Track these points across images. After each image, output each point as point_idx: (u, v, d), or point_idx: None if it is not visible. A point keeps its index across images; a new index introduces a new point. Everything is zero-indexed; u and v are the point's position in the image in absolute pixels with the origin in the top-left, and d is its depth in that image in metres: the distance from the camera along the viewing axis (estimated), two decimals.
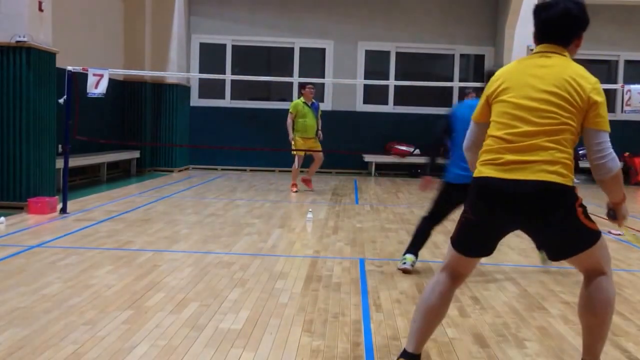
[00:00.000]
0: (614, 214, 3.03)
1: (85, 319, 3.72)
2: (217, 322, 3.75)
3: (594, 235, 2.88)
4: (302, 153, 10.63)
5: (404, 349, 3.06)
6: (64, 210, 7.54)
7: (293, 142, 10.55)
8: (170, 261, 5.33)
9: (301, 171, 10.97)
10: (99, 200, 8.85)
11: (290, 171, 11.03)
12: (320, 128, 10.69)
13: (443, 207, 5.23)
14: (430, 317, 3.02)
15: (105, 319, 3.74)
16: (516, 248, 6.41)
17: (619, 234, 7.19)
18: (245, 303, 4.17)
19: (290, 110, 10.55)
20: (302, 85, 10.77)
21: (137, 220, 7.32)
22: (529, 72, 2.89)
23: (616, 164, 2.83)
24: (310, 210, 8.02)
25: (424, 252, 6.03)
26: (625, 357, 3.42)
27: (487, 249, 3.01)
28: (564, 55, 2.93)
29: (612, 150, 2.81)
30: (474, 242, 2.98)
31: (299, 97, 10.94)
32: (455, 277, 3.04)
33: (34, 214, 7.34)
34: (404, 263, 5.20)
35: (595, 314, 2.92)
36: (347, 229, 7.21)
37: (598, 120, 2.78)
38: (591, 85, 2.80)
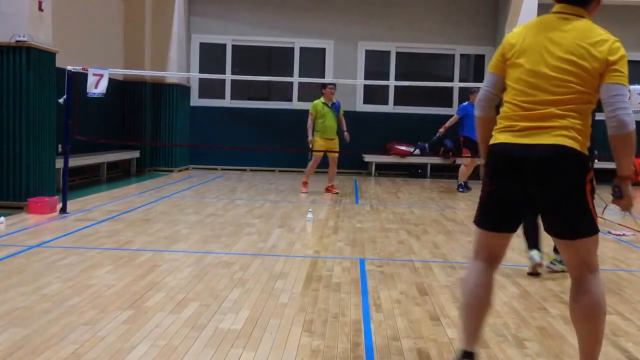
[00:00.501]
0: (620, 192, 2.81)
1: (85, 319, 3.72)
2: (217, 322, 3.75)
3: (594, 226, 2.82)
4: (321, 154, 10.38)
5: (463, 350, 2.94)
6: (63, 210, 7.53)
7: (311, 144, 10.35)
8: (170, 261, 5.33)
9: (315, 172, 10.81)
10: (99, 200, 8.85)
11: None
12: (345, 129, 10.50)
13: None
14: (483, 310, 2.95)
15: (105, 319, 3.74)
16: (516, 248, 6.39)
17: (620, 234, 7.19)
18: (245, 303, 4.17)
19: (310, 111, 10.39)
20: (322, 85, 10.59)
21: (137, 220, 7.32)
22: (547, 36, 2.83)
23: (631, 121, 2.68)
24: (310, 210, 8.01)
25: (424, 252, 6.04)
26: (625, 357, 3.42)
27: (512, 222, 2.93)
28: (583, 17, 2.86)
29: (629, 106, 2.70)
30: (498, 214, 2.90)
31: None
32: (490, 259, 2.97)
33: (34, 213, 7.34)
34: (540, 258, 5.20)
35: (588, 319, 2.84)
36: (347, 229, 7.20)
37: (613, 74, 2.73)
38: (608, 46, 2.76)
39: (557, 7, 2.92)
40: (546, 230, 2.95)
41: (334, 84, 10.67)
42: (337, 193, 10.57)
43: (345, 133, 10.53)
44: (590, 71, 2.74)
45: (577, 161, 2.73)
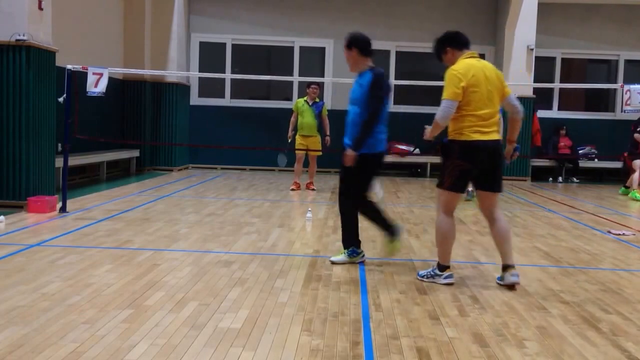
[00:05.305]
0: (517, 148, 4.98)
1: (84, 318, 3.72)
2: (216, 321, 3.75)
3: (502, 186, 4.85)
4: (301, 153, 10.71)
5: (443, 265, 4.78)
6: (63, 209, 7.54)
7: (289, 140, 10.77)
8: (170, 260, 5.33)
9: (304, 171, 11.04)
10: (99, 199, 8.85)
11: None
12: (327, 133, 10.80)
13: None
14: (454, 239, 4.84)
15: (105, 317, 3.74)
16: (516, 248, 6.40)
17: (619, 234, 7.19)
18: (245, 302, 4.17)
19: (292, 109, 10.89)
20: (307, 85, 10.89)
21: (137, 219, 7.32)
22: (482, 69, 4.68)
23: (522, 111, 4.93)
24: (309, 209, 8.01)
25: (423, 252, 6.03)
26: (625, 357, 3.42)
27: (489, 185, 4.77)
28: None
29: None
30: (465, 182, 4.74)
31: (300, 96, 11.12)
32: (454, 211, 4.81)
33: (34, 212, 7.34)
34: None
35: (507, 238, 4.78)
36: None
37: (509, 90, 4.85)
38: (501, 74, 4.85)
39: (468, 53, 4.83)
40: (482, 188, 4.78)
41: (318, 84, 10.87)
42: (314, 190, 10.89)
43: (327, 137, 10.82)
44: (500, 89, 4.75)
45: (502, 146, 4.82)
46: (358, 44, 5.30)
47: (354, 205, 5.43)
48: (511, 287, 4.70)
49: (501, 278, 4.81)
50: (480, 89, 4.59)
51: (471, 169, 4.61)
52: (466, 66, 4.64)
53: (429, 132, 4.81)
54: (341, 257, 5.44)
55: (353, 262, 5.39)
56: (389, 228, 5.45)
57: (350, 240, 5.44)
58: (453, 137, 4.67)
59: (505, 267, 4.76)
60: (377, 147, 5.22)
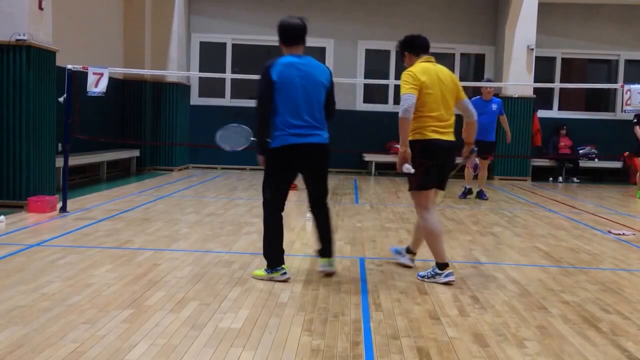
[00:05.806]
0: (474, 149, 5.22)
1: (85, 318, 3.72)
2: (216, 321, 3.75)
3: (446, 184, 5.09)
4: None
5: (443, 263, 4.80)
6: (63, 209, 7.53)
7: None
8: (170, 260, 5.33)
9: None
10: (99, 199, 8.85)
11: None
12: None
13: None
14: (441, 233, 4.93)
15: (105, 317, 3.74)
16: (516, 247, 6.40)
17: (619, 234, 7.19)
18: (245, 302, 4.17)
19: None
20: None
21: (137, 219, 7.32)
22: (435, 72, 4.90)
23: (476, 114, 5.10)
24: (309, 209, 7.99)
25: (424, 252, 6.03)
26: (625, 357, 3.42)
27: (438, 179, 4.91)
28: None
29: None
30: (432, 177, 4.86)
31: None
32: (433, 205, 4.96)
33: (34, 212, 7.34)
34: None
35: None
36: (347, 228, 7.20)
37: (464, 94, 5.06)
38: (456, 79, 5.09)
39: (425, 57, 5.03)
40: (438, 186, 4.94)
41: None
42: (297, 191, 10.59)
43: None
44: (455, 92, 4.95)
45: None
46: (278, 31, 4.97)
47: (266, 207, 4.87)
48: (406, 267, 5.27)
49: (405, 257, 5.39)
50: (434, 91, 4.79)
51: (433, 166, 4.81)
52: (421, 69, 4.86)
53: (401, 142, 4.72)
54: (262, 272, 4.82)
55: (272, 279, 4.73)
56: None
57: (275, 252, 4.76)
58: (413, 138, 4.81)
59: (409, 250, 5.37)
60: (275, 142, 4.75)
